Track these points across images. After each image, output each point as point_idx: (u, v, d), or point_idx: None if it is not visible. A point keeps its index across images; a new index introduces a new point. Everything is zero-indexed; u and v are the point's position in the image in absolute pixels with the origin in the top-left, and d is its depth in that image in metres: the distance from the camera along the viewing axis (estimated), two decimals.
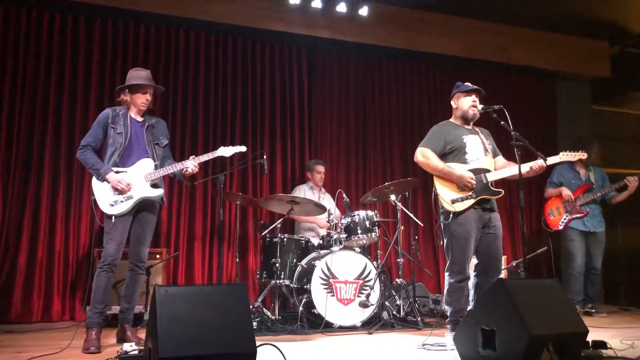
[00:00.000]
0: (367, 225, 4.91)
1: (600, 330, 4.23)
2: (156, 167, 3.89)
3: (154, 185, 3.89)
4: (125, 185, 3.72)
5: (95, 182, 3.77)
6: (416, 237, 5.44)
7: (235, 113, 6.13)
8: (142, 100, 3.94)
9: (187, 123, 5.92)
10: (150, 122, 4.03)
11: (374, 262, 4.82)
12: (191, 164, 3.88)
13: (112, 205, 3.74)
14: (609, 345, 3.23)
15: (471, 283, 3.90)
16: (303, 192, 5.70)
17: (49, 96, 5.42)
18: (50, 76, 5.46)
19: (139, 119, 3.99)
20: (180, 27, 5.99)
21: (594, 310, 5.55)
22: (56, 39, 5.52)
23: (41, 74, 5.43)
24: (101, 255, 3.75)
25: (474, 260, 3.89)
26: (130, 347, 3.18)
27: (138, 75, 3.95)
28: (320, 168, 5.83)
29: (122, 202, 3.75)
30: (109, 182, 3.73)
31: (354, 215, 4.96)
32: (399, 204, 4.95)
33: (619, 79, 7.55)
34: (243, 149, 4.10)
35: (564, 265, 5.78)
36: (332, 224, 4.99)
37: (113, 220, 3.73)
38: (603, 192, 5.66)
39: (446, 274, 3.85)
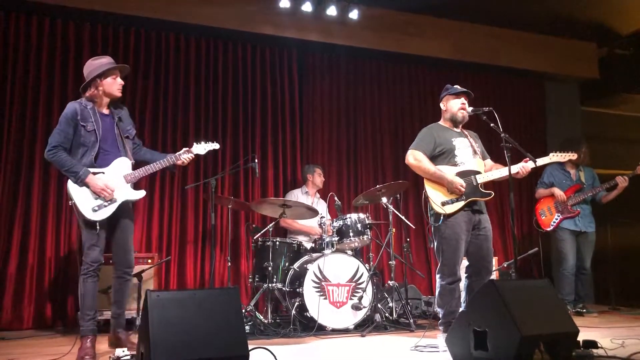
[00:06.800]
0: (359, 228, 4.91)
1: (591, 330, 4.26)
2: (132, 166, 3.71)
3: (133, 186, 3.72)
4: (110, 192, 3.53)
5: (72, 185, 3.51)
6: (408, 239, 5.45)
7: (226, 117, 6.13)
8: (117, 86, 3.67)
9: (177, 127, 5.91)
10: (118, 114, 3.75)
11: (366, 265, 4.82)
12: (187, 157, 3.79)
13: (95, 210, 3.50)
14: (599, 345, 3.25)
15: (462, 284, 3.92)
16: (296, 197, 5.69)
17: (38, 102, 5.38)
18: (39, 80, 5.42)
19: (105, 111, 3.70)
20: (170, 31, 5.98)
21: (585, 310, 5.59)
22: (45, 43, 5.49)
23: (30, 78, 5.39)
24: (84, 261, 3.54)
25: (464, 262, 3.92)
26: (122, 352, 3.17)
27: (101, 63, 3.64)
28: (320, 170, 5.87)
29: (105, 206, 3.53)
30: (89, 187, 3.50)
31: (346, 218, 4.95)
32: (391, 207, 4.95)
33: (608, 80, 7.62)
34: (216, 146, 3.99)
35: (556, 265, 5.81)
36: (323, 227, 4.99)
37: (98, 227, 3.51)
38: (594, 192, 5.70)
39: (437, 276, 3.87)
